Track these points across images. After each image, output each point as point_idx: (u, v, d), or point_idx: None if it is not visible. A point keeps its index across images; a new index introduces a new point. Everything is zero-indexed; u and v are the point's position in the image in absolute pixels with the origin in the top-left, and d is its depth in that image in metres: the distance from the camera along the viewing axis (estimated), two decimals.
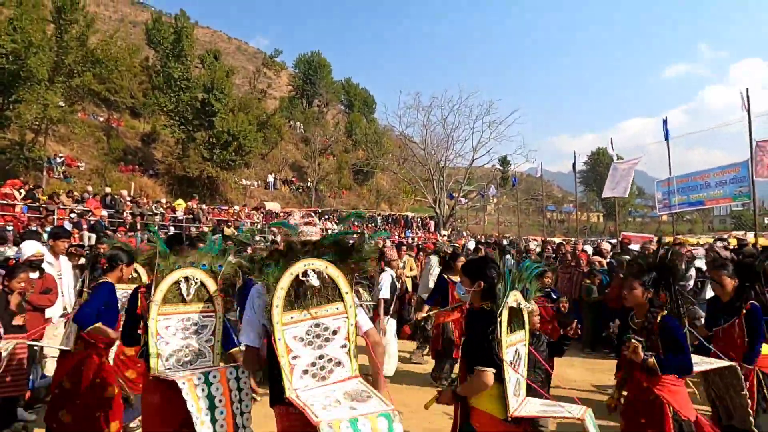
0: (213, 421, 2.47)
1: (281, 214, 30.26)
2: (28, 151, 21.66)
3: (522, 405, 2.53)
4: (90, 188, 20.36)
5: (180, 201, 23.60)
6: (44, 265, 5.18)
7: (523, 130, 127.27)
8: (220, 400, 2.58)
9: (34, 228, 11.62)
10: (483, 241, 18.32)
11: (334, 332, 2.25)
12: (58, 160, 24.59)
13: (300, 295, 2.23)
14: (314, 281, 2.23)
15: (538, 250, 13.89)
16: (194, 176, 29.88)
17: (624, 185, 18.04)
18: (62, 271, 5.66)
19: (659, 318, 2.92)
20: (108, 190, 20.41)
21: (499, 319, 2.39)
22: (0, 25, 19.63)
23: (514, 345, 2.53)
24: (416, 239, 27.80)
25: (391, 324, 6.69)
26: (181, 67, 29.79)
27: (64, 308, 5.44)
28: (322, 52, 52.88)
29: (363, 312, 2.49)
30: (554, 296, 5.03)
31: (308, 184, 42.41)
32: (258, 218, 26.35)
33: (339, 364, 2.25)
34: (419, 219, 40.63)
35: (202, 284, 2.89)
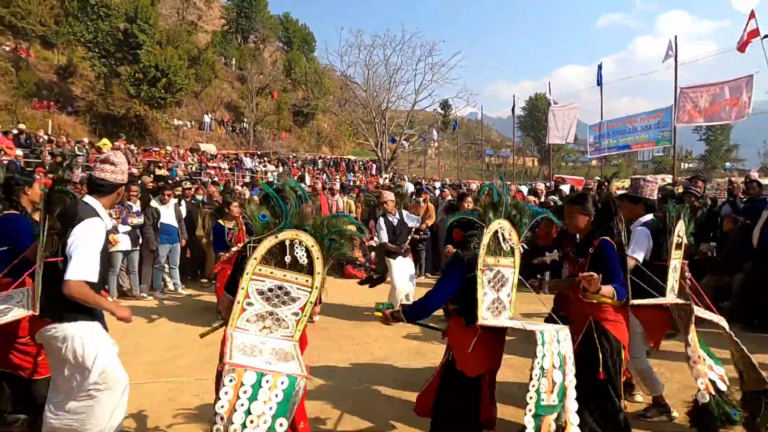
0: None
1: (218, 155, 29.10)
2: None
3: (498, 320, 2.83)
4: None
5: (105, 141, 22.03)
6: None
7: (465, 74, 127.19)
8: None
9: None
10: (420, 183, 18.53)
11: (293, 299, 2.47)
12: None
13: (276, 255, 2.42)
14: (297, 253, 2.43)
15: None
16: (120, 115, 27.88)
17: (570, 131, 18.53)
18: None
19: (598, 240, 3.02)
20: (22, 127, 18.67)
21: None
22: None
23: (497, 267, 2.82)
24: (358, 182, 27.74)
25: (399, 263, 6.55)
26: None
27: None
28: None
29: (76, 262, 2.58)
30: None
31: (245, 125, 40.73)
32: (193, 160, 25.18)
33: (285, 326, 2.49)
34: (361, 162, 40.40)
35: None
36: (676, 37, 13.66)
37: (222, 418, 2.02)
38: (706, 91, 12.35)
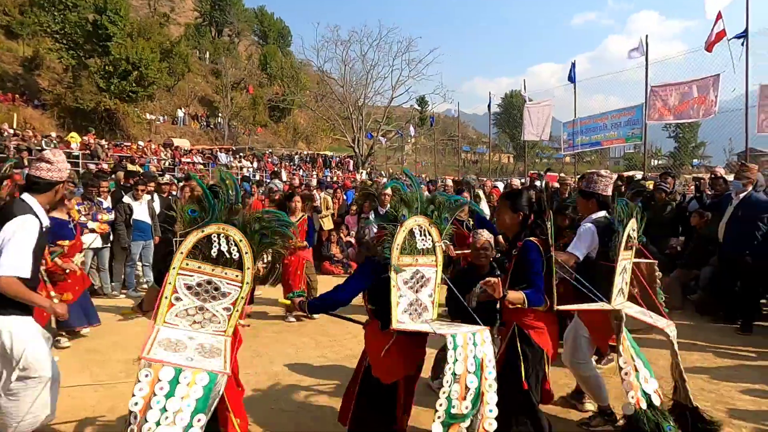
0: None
1: (192, 151, 28.60)
2: None
3: (414, 324, 2.66)
4: None
5: (74, 135, 21.43)
6: None
7: (441, 71, 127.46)
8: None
9: None
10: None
11: (224, 294, 2.42)
12: None
13: (204, 249, 2.37)
14: (223, 247, 2.38)
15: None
16: (89, 108, 27.11)
17: (545, 128, 18.71)
18: None
19: (523, 241, 2.85)
20: None
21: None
22: None
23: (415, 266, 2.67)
24: (335, 178, 27.62)
25: None
26: None
27: None
28: None
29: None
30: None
31: (220, 120, 40.08)
32: (166, 155, 24.68)
33: (217, 320, 2.44)
34: (338, 158, 40.22)
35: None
36: (647, 36, 13.95)
37: (135, 417, 1.96)
38: (675, 90, 12.64)
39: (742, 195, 5.92)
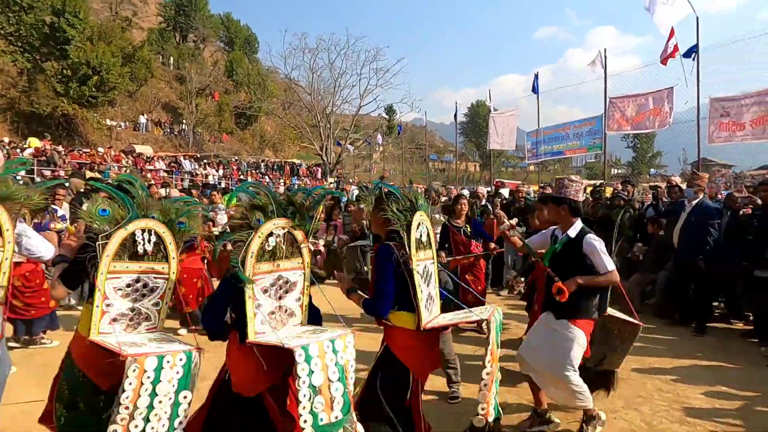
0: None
1: (155, 158, 27.89)
2: None
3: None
4: None
5: (34, 140, 20.63)
6: None
7: (408, 80, 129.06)
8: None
9: None
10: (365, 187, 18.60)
11: (152, 290, 2.44)
12: None
13: (128, 248, 2.36)
14: (148, 246, 2.39)
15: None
16: (45, 113, 26.11)
17: (511, 137, 19.16)
18: None
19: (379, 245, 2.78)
20: None
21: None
22: None
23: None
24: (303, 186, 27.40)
25: None
26: None
27: None
28: None
29: None
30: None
31: (184, 127, 39.27)
32: (127, 162, 23.99)
33: (148, 318, 2.46)
34: (306, 166, 39.99)
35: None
36: (605, 50, 14.48)
37: (127, 408, 1.98)
38: (632, 101, 13.16)
39: (694, 202, 6.18)
